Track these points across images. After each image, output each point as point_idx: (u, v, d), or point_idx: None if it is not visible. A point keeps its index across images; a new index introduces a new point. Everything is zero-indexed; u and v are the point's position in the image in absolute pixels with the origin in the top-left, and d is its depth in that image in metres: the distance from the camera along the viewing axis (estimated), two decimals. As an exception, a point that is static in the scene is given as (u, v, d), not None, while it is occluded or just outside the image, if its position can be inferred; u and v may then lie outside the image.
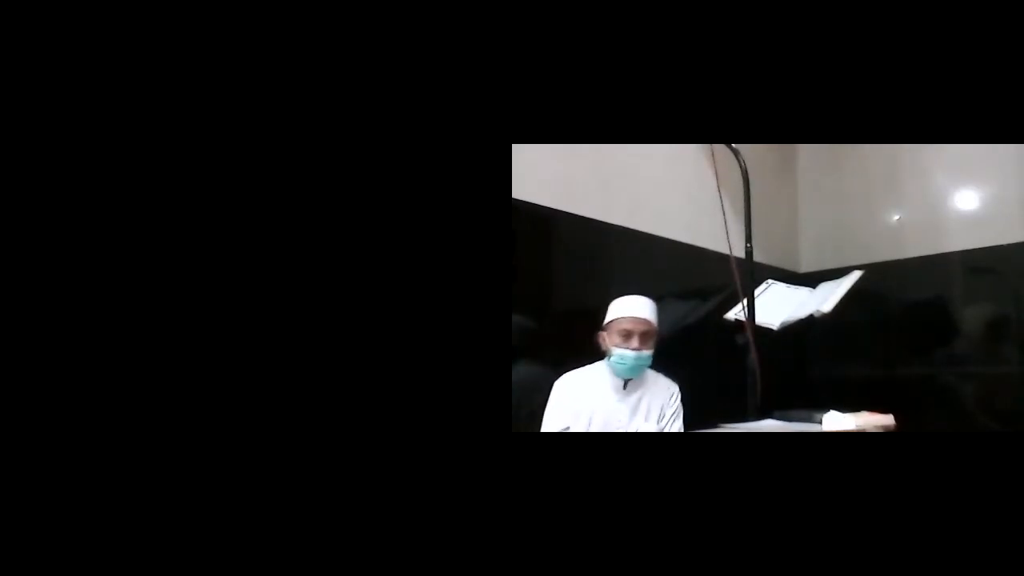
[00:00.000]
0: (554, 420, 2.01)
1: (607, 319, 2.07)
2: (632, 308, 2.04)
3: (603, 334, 2.06)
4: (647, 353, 2.02)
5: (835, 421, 2.06)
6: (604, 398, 2.03)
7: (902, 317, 3.45)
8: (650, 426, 2.03)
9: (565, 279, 2.37)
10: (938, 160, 3.37)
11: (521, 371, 2.22)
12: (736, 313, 2.72)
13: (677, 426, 2.06)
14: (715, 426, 2.17)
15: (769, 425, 2.26)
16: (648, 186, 2.79)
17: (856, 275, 2.95)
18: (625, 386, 2.05)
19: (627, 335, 2.01)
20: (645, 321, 2.03)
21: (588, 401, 2.02)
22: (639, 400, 2.05)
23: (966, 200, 3.39)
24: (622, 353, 2.00)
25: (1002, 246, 3.16)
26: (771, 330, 2.78)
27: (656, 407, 2.06)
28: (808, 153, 3.91)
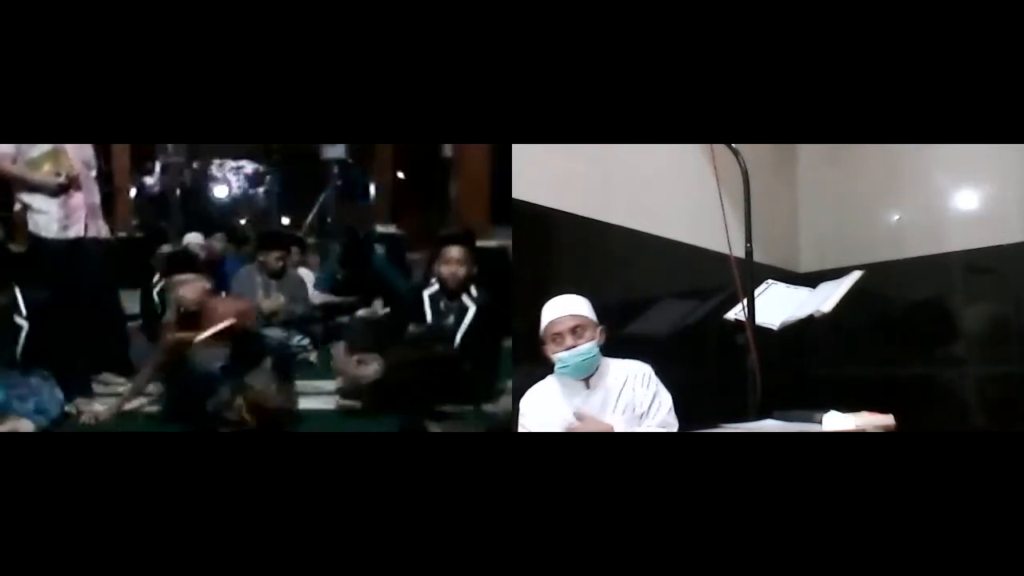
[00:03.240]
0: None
1: (540, 332, 2.00)
2: (554, 310, 1.98)
3: (543, 348, 2.00)
4: (586, 346, 1.93)
5: (835, 421, 2.06)
6: (569, 403, 1.98)
7: (902, 317, 3.45)
8: (619, 418, 1.97)
9: (565, 279, 2.37)
10: (938, 160, 3.37)
11: (522, 371, 2.22)
12: (736, 313, 2.72)
13: (665, 408, 1.98)
14: (715, 426, 2.17)
15: (769, 425, 2.26)
16: (648, 186, 2.79)
17: (856, 275, 2.95)
18: (587, 385, 2.00)
19: (557, 338, 1.95)
20: (571, 317, 1.95)
21: (554, 411, 1.98)
22: (605, 394, 2.00)
23: (966, 200, 3.39)
24: (559, 356, 1.94)
25: (1002, 246, 3.15)
26: (771, 330, 2.77)
27: (627, 394, 1.98)
28: (808, 153, 3.91)
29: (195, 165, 8.78)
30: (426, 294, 2.89)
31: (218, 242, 4.80)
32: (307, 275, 4.38)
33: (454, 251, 2.85)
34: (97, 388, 2.97)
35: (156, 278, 3.96)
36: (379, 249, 4.74)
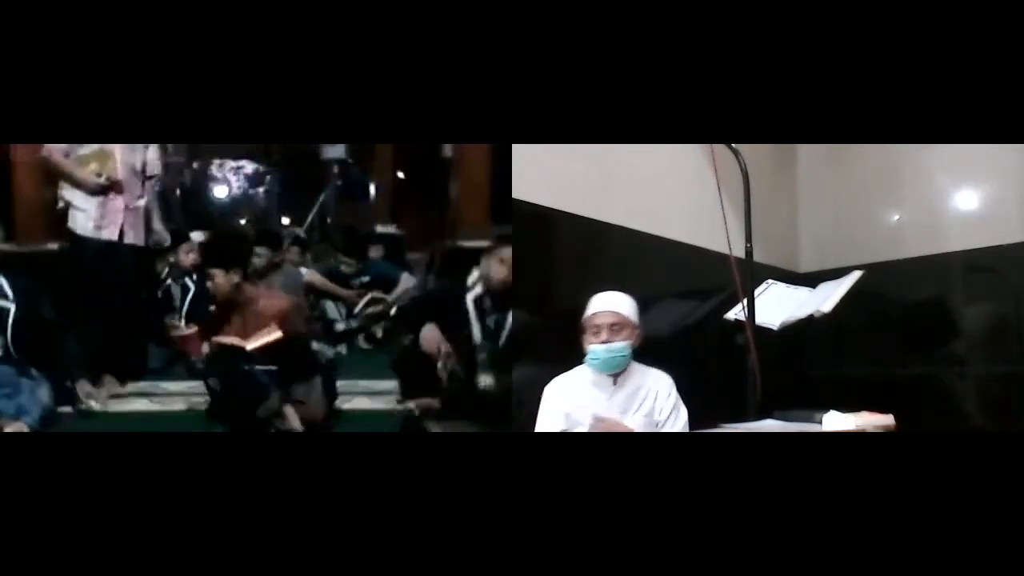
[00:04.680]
0: (546, 426, 2.00)
1: (581, 320, 2.05)
2: (599, 303, 2.04)
3: (580, 336, 2.05)
4: (619, 345, 1.99)
5: (835, 421, 2.06)
6: (593, 397, 2.01)
7: (902, 317, 3.45)
8: (639, 421, 2.00)
9: (565, 279, 2.37)
10: (938, 160, 3.37)
11: (521, 371, 2.22)
12: (736, 313, 2.72)
13: (681, 422, 2.03)
14: (715, 426, 2.17)
15: (769, 425, 2.26)
16: (648, 186, 2.79)
17: (856, 275, 2.95)
18: (615, 382, 2.03)
19: (596, 330, 2.00)
20: (612, 314, 2.01)
21: (578, 403, 2.00)
22: (630, 395, 2.02)
23: (966, 200, 3.39)
24: (592, 348, 1.99)
25: (1002, 246, 3.16)
26: (771, 330, 2.77)
27: (649, 400, 2.03)
28: (808, 153, 3.91)
29: (195, 165, 8.78)
30: (470, 298, 2.71)
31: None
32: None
33: (508, 252, 2.58)
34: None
35: (163, 274, 3.96)
36: (375, 251, 4.75)
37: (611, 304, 2.03)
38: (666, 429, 2.01)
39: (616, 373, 2.03)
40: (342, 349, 3.95)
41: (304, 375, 2.63)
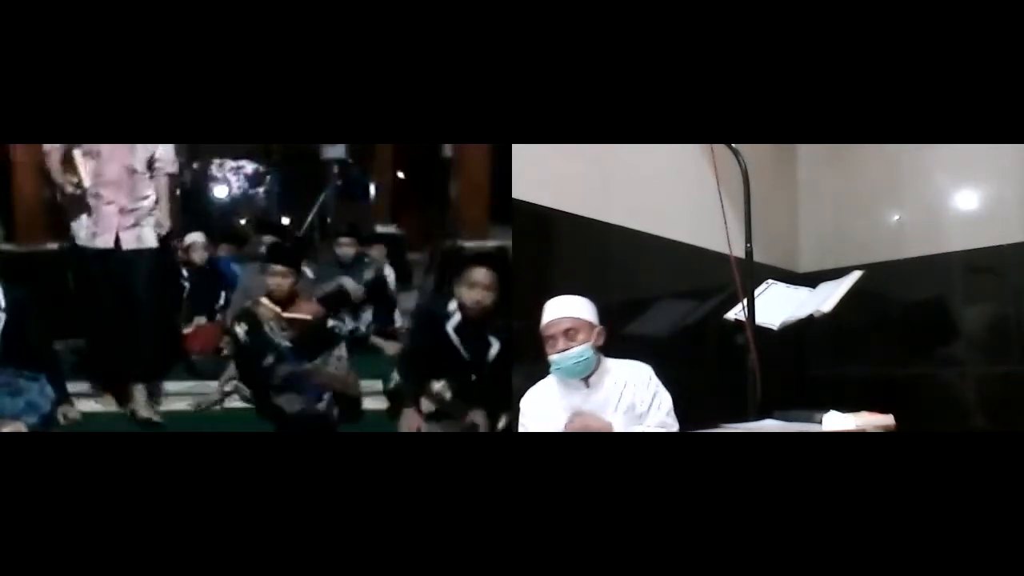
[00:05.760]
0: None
1: (540, 329, 2.01)
2: (549, 312, 1.99)
3: (543, 347, 2.01)
4: (578, 349, 1.94)
5: (835, 421, 2.06)
6: (568, 402, 1.99)
7: (902, 317, 3.45)
8: (620, 417, 1.97)
9: (565, 279, 2.37)
10: (938, 160, 3.37)
11: (522, 373, 2.22)
12: (736, 313, 2.72)
13: (665, 409, 1.99)
14: (715, 426, 2.17)
15: (769, 425, 2.26)
16: (648, 186, 2.79)
17: (856, 275, 2.95)
18: (587, 384, 2.00)
19: (550, 340, 1.96)
20: (563, 320, 1.96)
21: (555, 410, 1.99)
22: (607, 393, 2.00)
23: (966, 200, 3.39)
24: (552, 359, 1.96)
25: (1002, 246, 3.16)
26: (771, 330, 2.78)
27: (628, 394, 1.99)
28: (808, 153, 3.91)
29: (195, 165, 8.78)
30: (450, 327, 2.46)
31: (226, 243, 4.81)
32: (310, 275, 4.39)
33: (481, 274, 2.38)
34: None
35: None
36: (376, 251, 4.74)
37: (561, 310, 1.98)
38: (649, 418, 1.97)
39: (586, 376, 2.00)
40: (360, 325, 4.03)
41: (324, 346, 2.80)
